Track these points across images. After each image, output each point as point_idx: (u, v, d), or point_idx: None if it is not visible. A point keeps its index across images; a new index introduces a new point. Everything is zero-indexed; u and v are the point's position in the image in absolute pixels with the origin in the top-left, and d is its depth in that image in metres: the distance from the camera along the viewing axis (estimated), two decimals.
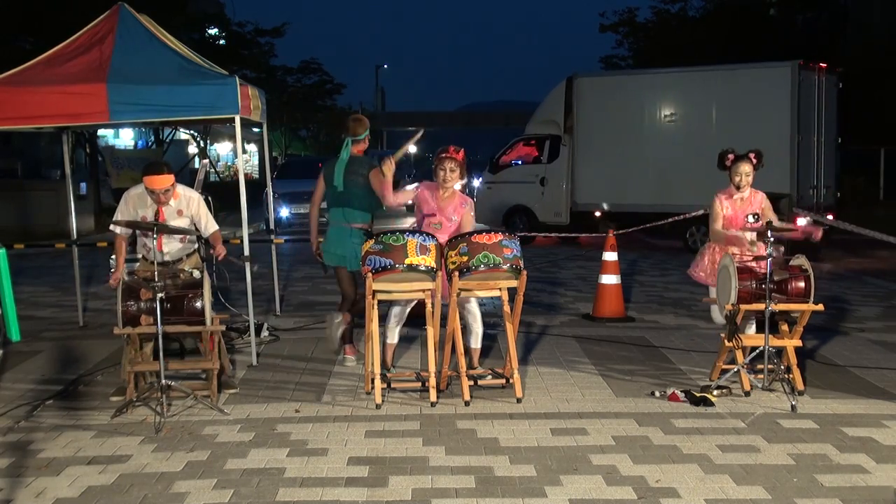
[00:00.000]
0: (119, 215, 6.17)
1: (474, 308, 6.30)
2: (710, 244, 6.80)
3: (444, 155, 6.24)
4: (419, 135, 7.16)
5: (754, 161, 6.45)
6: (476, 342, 6.34)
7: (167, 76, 6.96)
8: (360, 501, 4.26)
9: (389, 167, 6.37)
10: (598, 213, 16.44)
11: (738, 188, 6.48)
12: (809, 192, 15.06)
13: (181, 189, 6.20)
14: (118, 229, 6.21)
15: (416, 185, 6.53)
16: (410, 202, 6.52)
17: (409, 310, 6.43)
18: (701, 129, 15.16)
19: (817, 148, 15.16)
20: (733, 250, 6.37)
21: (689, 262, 7.20)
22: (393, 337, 6.45)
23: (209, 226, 6.28)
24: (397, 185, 7.31)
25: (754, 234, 6.41)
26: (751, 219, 6.38)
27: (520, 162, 17.77)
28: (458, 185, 6.36)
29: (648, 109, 15.93)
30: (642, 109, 15.96)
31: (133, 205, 6.15)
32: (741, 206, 6.50)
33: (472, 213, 6.40)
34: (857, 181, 22.19)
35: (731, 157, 6.49)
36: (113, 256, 6.77)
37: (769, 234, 5.84)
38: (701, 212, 13.02)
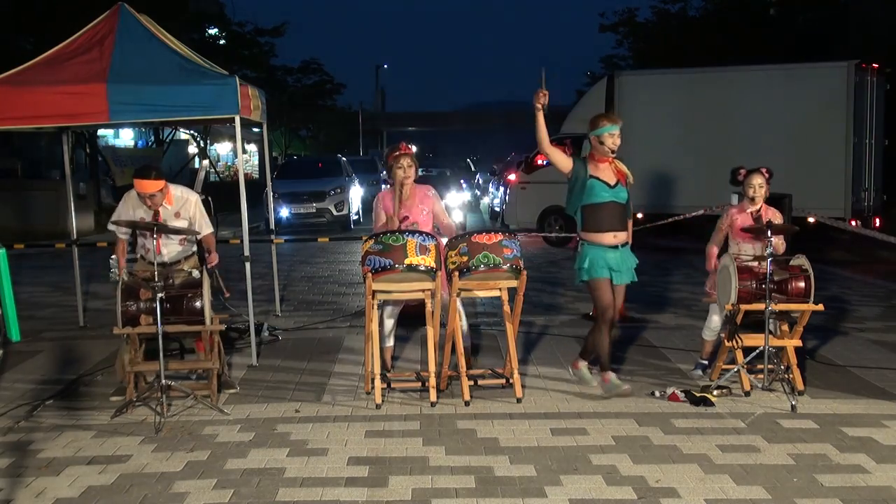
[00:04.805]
0: (118, 215, 6.17)
1: (458, 305, 6.26)
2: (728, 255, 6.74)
3: (397, 153, 6.19)
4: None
5: (766, 175, 6.48)
6: (464, 340, 6.30)
7: (167, 76, 6.96)
8: (360, 501, 4.26)
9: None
10: (639, 216, 15.40)
11: (752, 201, 6.47)
12: (862, 195, 14.75)
13: (178, 191, 6.17)
14: (119, 232, 6.20)
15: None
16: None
17: (398, 310, 6.41)
18: (752, 128, 14.56)
19: (868, 150, 14.85)
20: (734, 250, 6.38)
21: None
22: (389, 340, 6.44)
23: (203, 228, 6.26)
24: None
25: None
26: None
27: None
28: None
29: (696, 108, 15.25)
30: (689, 108, 15.30)
31: (132, 205, 6.15)
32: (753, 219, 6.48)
33: (437, 198, 6.36)
34: None
35: (742, 171, 6.52)
36: (113, 256, 6.78)
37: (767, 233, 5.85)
38: (700, 212, 12.98)
